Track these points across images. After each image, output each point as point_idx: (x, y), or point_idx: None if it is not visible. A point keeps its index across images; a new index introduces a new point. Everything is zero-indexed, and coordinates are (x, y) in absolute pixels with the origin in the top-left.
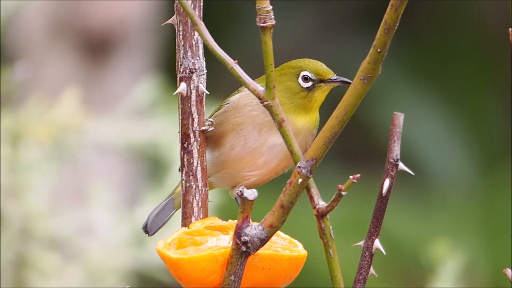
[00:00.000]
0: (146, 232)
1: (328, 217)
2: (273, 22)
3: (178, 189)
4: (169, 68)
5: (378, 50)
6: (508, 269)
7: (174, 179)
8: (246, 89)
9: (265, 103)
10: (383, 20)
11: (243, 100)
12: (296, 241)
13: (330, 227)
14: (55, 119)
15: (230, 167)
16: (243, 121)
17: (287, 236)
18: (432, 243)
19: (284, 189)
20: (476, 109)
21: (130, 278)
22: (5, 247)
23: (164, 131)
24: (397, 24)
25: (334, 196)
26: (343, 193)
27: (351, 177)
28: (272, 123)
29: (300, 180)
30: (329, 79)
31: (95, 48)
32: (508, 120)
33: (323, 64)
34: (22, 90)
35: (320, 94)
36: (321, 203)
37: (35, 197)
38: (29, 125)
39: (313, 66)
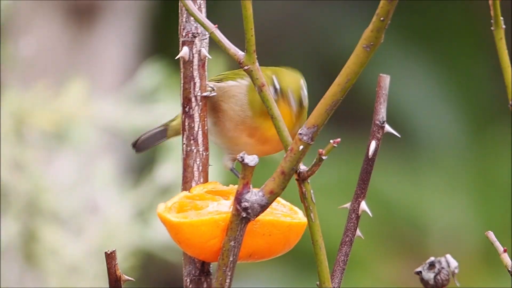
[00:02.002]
0: (135, 149)
1: (309, 181)
2: None
3: (173, 123)
4: (156, 31)
5: (381, 18)
6: (490, 232)
7: (175, 159)
8: (247, 78)
9: (245, 68)
10: None
11: (233, 90)
12: (296, 208)
13: (311, 191)
14: (59, 108)
15: (214, 136)
16: (225, 109)
17: (288, 203)
18: (423, 205)
19: (285, 155)
20: (466, 70)
21: (135, 256)
22: (12, 220)
23: (166, 115)
24: None
25: (314, 160)
26: (324, 157)
27: (331, 141)
28: (247, 124)
29: (301, 147)
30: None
31: (82, 11)
32: (497, 80)
33: (298, 77)
34: (12, 60)
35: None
36: (302, 167)
37: (40, 173)
38: (33, 112)
39: (282, 75)
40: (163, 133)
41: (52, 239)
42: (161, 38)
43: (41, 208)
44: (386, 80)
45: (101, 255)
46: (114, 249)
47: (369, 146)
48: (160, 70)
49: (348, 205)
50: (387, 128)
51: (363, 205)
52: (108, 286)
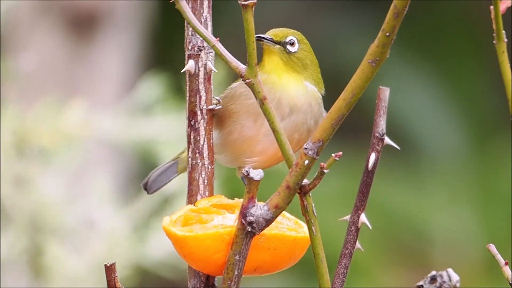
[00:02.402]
0: (146, 189)
1: (310, 194)
2: (255, 0)
3: (183, 154)
4: (156, 44)
5: (387, 34)
6: (491, 244)
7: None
8: None
9: (247, 81)
10: (393, 4)
11: (240, 88)
12: (301, 222)
13: (313, 204)
14: (60, 126)
15: (229, 151)
16: (238, 109)
17: (293, 217)
18: (425, 215)
19: (290, 170)
20: (467, 81)
21: (131, 272)
22: (19, 237)
23: (165, 129)
24: (406, 9)
25: (316, 173)
26: (325, 170)
27: (333, 155)
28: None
29: (306, 162)
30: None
31: (82, 24)
32: (498, 91)
33: (280, 29)
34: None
35: (264, 54)
36: (304, 181)
37: (43, 189)
38: (34, 130)
39: (273, 31)
40: (174, 168)
41: (53, 254)
42: (161, 51)
43: (41, 224)
44: (385, 92)
45: (99, 271)
46: (113, 262)
47: (368, 158)
48: (159, 83)
49: (347, 217)
50: (387, 140)
51: (363, 218)
52: None
